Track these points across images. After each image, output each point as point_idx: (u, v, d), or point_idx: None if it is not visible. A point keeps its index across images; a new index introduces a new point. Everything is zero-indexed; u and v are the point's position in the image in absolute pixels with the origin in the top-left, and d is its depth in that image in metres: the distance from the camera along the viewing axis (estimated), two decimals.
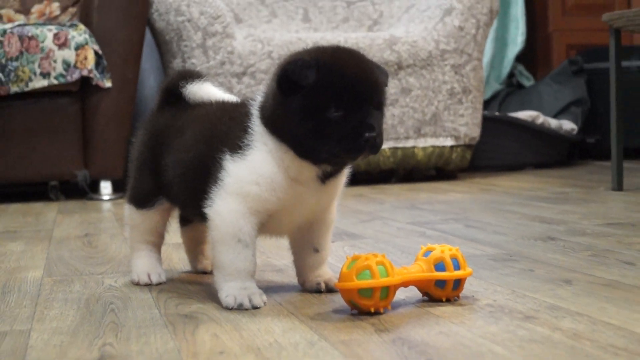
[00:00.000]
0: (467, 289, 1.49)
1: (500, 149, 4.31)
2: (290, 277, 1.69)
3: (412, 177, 4.00)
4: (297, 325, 1.31)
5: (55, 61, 3.38)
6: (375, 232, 2.29)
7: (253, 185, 1.40)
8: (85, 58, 3.42)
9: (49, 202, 3.46)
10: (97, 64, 3.47)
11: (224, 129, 1.47)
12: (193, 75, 1.63)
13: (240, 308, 1.42)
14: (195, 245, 1.79)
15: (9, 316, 1.43)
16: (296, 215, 1.47)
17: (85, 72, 3.42)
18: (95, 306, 1.49)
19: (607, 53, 4.60)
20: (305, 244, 1.56)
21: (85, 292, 1.61)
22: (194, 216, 1.59)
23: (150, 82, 4.49)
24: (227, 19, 3.69)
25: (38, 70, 3.37)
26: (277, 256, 1.95)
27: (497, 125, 4.28)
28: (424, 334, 1.22)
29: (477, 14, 3.95)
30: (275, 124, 1.39)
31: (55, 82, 3.39)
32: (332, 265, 1.80)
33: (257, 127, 1.42)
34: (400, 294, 1.46)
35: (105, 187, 3.56)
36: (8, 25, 3.41)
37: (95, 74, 3.45)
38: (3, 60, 3.33)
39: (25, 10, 3.99)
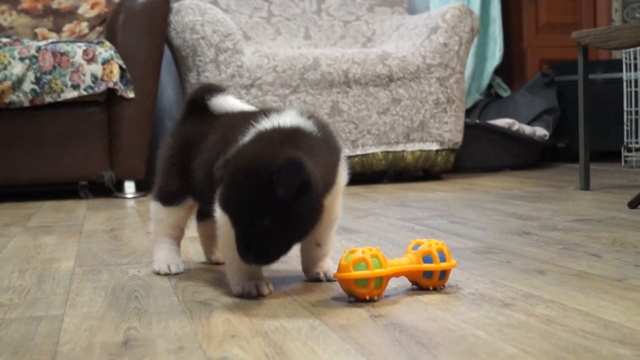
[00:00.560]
0: (451, 278, 1.49)
1: (480, 152, 4.31)
2: (294, 267, 1.69)
3: (401, 178, 4.00)
4: (300, 311, 1.30)
5: (84, 74, 3.38)
6: (369, 227, 2.29)
7: None
8: (111, 72, 3.41)
9: (79, 200, 3.45)
10: (122, 77, 3.46)
11: (235, 135, 1.45)
12: (216, 89, 1.63)
13: (248, 296, 1.41)
14: (209, 239, 1.78)
15: (44, 302, 1.43)
16: None
17: (111, 84, 3.41)
18: (121, 294, 1.49)
19: (575, 67, 4.60)
20: (309, 238, 1.54)
21: (112, 281, 1.61)
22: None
23: (168, 93, 4.48)
24: (237, 37, 3.68)
25: (69, 83, 3.36)
26: None
27: (477, 132, 4.27)
28: (413, 319, 1.22)
29: (460, 32, 3.95)
30: None
31: (84, 93, 3.39)
32: (331, 257, 1.80)
33: None
34: (392, 284, 1.46)
35: (129, 187, 3.56)
36: (42, 43, 3.41)
37: (120, 86, 3.45)
38: (38, 74, 3.33)
39: (57, 29, 3.99)
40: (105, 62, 3.41)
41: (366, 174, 3.92)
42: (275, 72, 3.70)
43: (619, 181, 3.46)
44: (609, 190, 3.09)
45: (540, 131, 4.48)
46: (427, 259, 1.41)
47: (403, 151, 3.85)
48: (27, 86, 3.32)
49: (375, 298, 1.36)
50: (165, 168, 1.66)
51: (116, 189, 3.53)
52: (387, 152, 3.84)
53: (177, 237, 1.69)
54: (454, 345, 1.07)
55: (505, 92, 5.03)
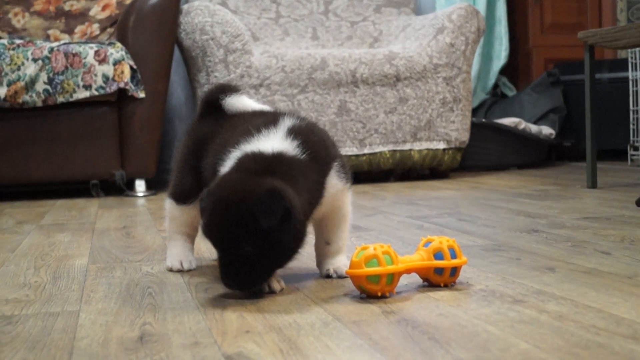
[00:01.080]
0: (462, 275, 1.49)
1: (487, 151, 4.30)
2: (306, 264, 1.69)
3: (408, 177, 4.00)
4: (313, 307, 1.30)
5: (96, 75, 3.38)
6: (378, 225, 2.29)
7: None
8: (122, 72, 3.41)
9: (90, 198, 3.45)
10: (132, 77, 3.46)
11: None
12: (231, 89, 1.62)
13: (259, 292, 1.41)
14: None
15: (60, 298, 1.43)
16: None
17: (122, 85, 3.42)
18: (135, 290, 1.49)
19: (580, 66, 4.60)
20: (319, 236, 1.55)
21: (126, 277, 1.61)
22: None
23: (177, 92, 4.48)
24: (245, 38, 3.68)
25: (81, 83, 3.37)
26: None
27: (484, 131, 4.26)
28: (425, 316, 1.22)
29: (466, 32, 3.94)
30: None
31: (96, 93, 3.39)
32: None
33: None
34: (404, 280, 1.45)
35: (140, 185, 3.56)
36: (55, 44, 3.41)
37: (131, 86, 3.45)
38: (51, 74, 3.33)
39: (69, 31, 3.99)
40: (117, 62, 3.41)
41: (374, 173, 3.91)
42: (284, 72, 3.70)
43: (625, 179, 3.45)
44: (616, 188, 3.08)
45: (547, 130, 4.47)
46: (438, 255, 1.41)
47: (410, 150, 3.85)
48: (40, 86, 3.33)
49: (387, 294, 1.35)
50: (180, 167, 1.66)
51: (127, 188, 3.53)
52: (395, 151, 3.83)
53: (190, 234, 1.69)
54: (466, 340, 1.07)
55: (511, 91, 5.02)
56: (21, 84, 3.30)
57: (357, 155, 3.79)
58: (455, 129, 3.90)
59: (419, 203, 2.81)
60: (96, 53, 3.40)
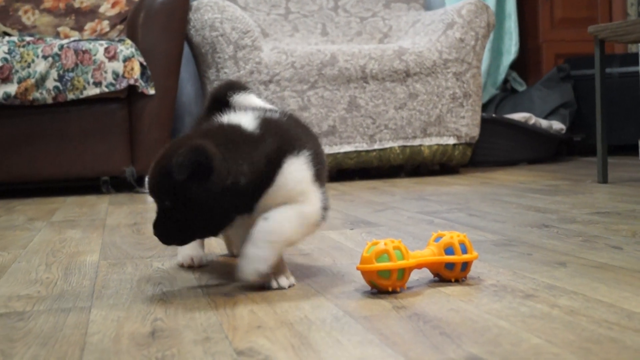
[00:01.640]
0: (472, 270, 1.49)
1: (497, 146, 4.29)
2: (316, 260, 1.69)
3: (418, 172, 3.99)
4: (324, 303, 1.30)
5: (106, 72, 3.39)
6: (389, 221, 2.28)
7: None
8: (132, 69, 3.42)
9: (101, 195, 3.46)
10: (142, 74, 3.47)
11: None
12: (239, 87, 1.62)
13: (268, 288, 1.41)
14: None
15: (72, 294, 1.43)
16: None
17: (132, 81, 3.42)
18: (146, 286, 1.49)
19: (590, 61, 4.58)
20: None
21: (137, 273, 1.61)
22: None
23: (187, 89, 4.49)
24: (255, 34, 3.68)
25: (91, 80, 3.37)
26: (306, 242, 1.94)
27: (494, 126, 4.26)
28: (436, 311, 1.21)
29: (475, 27, 3.93)
30: None
31: (106, 90, 3.40)
32: (352, 249, 1.80)
33: None
34: (414, 275, 1.45)
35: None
36: (65, 41, 3.42)
37: (141, 83, 3.46)
38: (61, 72, 3.34)
39: (79, 28, 4.00)
40: (126, 59, 3.41)
41: (383, 168, 3.91)
42: (294, 68, 3.70)
43: (636, 174, 3.44)
44: (627, 183, 3.07)
45: (557, 125, 4.46)
46: (448, 250, 1.41)
47: (420, 145, 3.84)
48: (50, 83, 3.33)
49: (398, 289, 1.35)
50: None
51: (137, 184, 3.54)
52: (405, 147, 3.83)
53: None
54: (477, 335, 1.07)
55: (521, 86, 5.01)
56: (31, 81, 3.31)
57: (367, 151, 3.78)
58: (465, 125, 3.89)
59: (429, 198, 2.81)
60: (106, 50, 3.40)
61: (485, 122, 4.19)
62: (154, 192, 1.34)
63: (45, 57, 3.33)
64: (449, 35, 3.90)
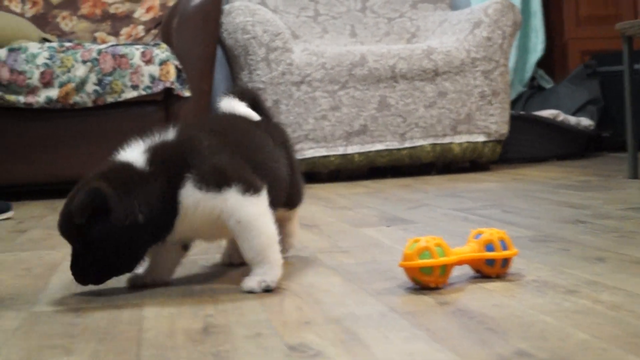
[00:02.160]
0: (512, 266, 1.49)
1: (526, 143, 4.27)
2: (355, 257, 1.70)
3: (449, 169, 3.99)
4: (368, 299, 1.31)
5: (142, 75, 3.42)
6: (423, 218, 2.29)
7: None
8: (168, 72, 3.44)
9: None
10: (178, 76, 3.49)
11: None
12: (241, 93, 1.64)
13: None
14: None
15: (123, 292, 1.45)
16: None
17: (168, 84, 3.45)
18: (194, 283, 1.50)
19: (616, 57, 4.55)
20: None
21: (184, 272, 1.63)
22: None
23: (220, 91, 4.51)
24: (286, 36, 3.70)
25: (129, 83, 3.40)
26: (342, 239, 1.95)
27: (522, 123, 4.24)
28: (480, 306, 1.22)
29: (502, 26, 3.92)
30: None
31: (143, 93, 3.43)
32: (390, 246, 1.81)
33: None
34: (455, 272, 1.46)
35: None
36: (103, 46, 3.45)
37: (177, 85, 3.48)
38: (100, 76, 3.38)
39: (115, 33, 4.03)
40: (162, 63, 3.44)
41: (415, 166, 3.91)
42: (324, 69, 3.71)
43: None
44: None
45: (585, 121, 4.43)
46: (489, 247, 1.41)
47: (450, 143, 3.84)
48: (90, 87, 3.37)
49: (440, 286, 1.36)
50: None
51: None
52: (435, 144, 3.83)
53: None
54: (523, 330, 1.07)
55: (548, 83, 4.98)
56: (72, 85, 3.34)
57: (398, 149, 3.79)
58: (494, 122, 3.88)
59: (461, 195, 2.81)
60: (142, 54, 3.43)
61: (514, 119, 4.17)
62: (62, 235, 1.38)
63: (84, 62, 3.37)
64: (477, 34, 3.89)
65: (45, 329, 1.21)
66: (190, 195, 1.35)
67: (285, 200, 1.60)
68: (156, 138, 1.43)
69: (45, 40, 3.72)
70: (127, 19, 4.08)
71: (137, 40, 4.02)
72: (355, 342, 1.06)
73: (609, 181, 3.02)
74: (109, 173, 1.37)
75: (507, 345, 1.01)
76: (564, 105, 4.58)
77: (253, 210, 1.37)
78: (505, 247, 1.41)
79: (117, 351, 1.07)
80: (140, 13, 4.08)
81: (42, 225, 2.56)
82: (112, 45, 3.46)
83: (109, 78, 3.38)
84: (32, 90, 3.34)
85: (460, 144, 3.85)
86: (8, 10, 3.97)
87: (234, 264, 1.67)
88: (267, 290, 1.38)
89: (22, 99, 3.33)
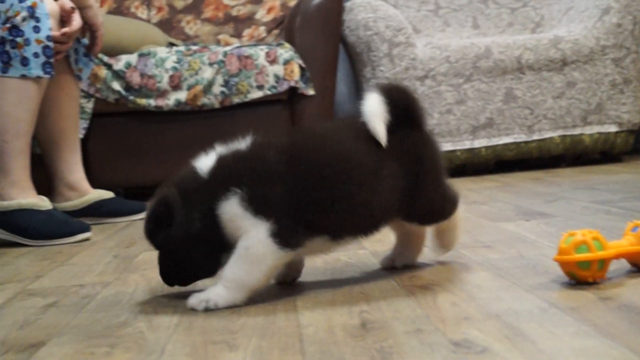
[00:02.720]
0: None
1: None
2: (500, 252, 1.66)
3: (579, 161, 3.88)
4: (524, 295, 1.28)
5: (267, 75, 3.46)
6: (563, 211, 2.23)
7: None
8: (292, 71, 3.48)
9: None
10: (302, 75, 3.52)
11: None
12: (390, 92, 1.60)
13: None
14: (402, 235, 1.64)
15: (274, 289, 1.46)
16: None
17: (292, 83, 3.48)
18: (342, 280, 1.51)
19: None
20: None
21: (329, 267, 1.64)
22: None
23: (340, 88, 4.52)
24: (408, 31, 3.67)
25: (254, 84, 3.45)
26: (483, 234, 1.92)
27: None
28: None
29: (633, 11, 3.78)
30: None
31: (268, 92, 3.47)
32: (535, 241, 1.77)
33: None
34: (611, 266, 1.40)
35: None
36: (228, 48, 3.51)
37: (301, 84, 3.51)
38: (226, 77, 3.44)
39: (238, 35, 4.11)
40: (286, 62, 3.47)
41: (543, 159, 3.82)
42: (448, 63, 3.66)
43: None
44: None
45: None
46: None
47: (581, 134, 3.73)
48: (217, 89, 3.44)
49: (598, 280, 1.31)
50: None
51: None
52: (565, 136, 3.73)
53: (396, 229, 1.62)
54: None
55: None
56: (200, 87, 3.42)
57: (525, 142, 3.71)
58: (627, 111, 3.75)
59: (598, 187, 2.72)
60: (267, 54, 3.48)
61: None
62: (145, 238, 1.42)
63: (211, 64, 3.44)
64: (606, 21, 3.77)
65: (204, 325, 1.23)
66: (231, 210, 1.32)
67: (405, 217, 1.47)
68: (231, 146, 1.42)
69: (172, 44, 3.82)
70: (248, 20, 4.14)
71: (259, 41, 4.08)
72: (520, 338, 1.04)
73: None
74: (180, 180, 1.40)
75: None
76: None
77: (264, 254, 1.31)
78: None
79: (281, 347, 1.08)
80: (261, 14, 4.14)
81: None
82: (237, 47, 3.52)
83: (235, 79, 3.44)
84: (162, 94, 3.43)
85: (591, 135, 3.73)
86: (135, 16, 4.09)
87: (397, 267, 1.59)
88: (207, 309, 1.33)
89: (152, 102, 3.43)
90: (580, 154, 3.84)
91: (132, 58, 3.44)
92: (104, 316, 1.35)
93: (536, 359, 0.95)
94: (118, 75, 3.41)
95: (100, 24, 2.69)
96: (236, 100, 3.46)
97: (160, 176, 3.47)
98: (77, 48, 2.72)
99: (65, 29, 2.50)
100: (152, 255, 1.97)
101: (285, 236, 1.31)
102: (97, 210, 2.76)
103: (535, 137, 3.71)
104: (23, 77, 2.36)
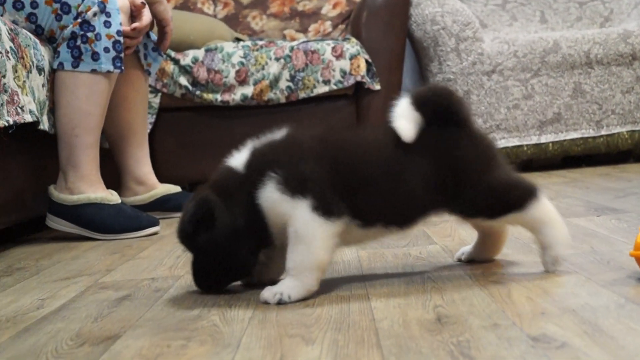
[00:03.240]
0: None
1: None
2: (572, 247, 1.64)
3: None
4: (600, 290, 1.26)
5: (334, 70, 3.46)
6: (634, 207, 2.18)
7: None
8: (358, 66, 3.47)
9: None
10: (368, 70, 3.52)
11: None
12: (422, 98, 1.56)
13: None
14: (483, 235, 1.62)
15: (346, 282, 1.47)
16: None
17: (358, 78, 3.48)
18: (413, 274, 1.50)
19: None
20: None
21: (399, 262, 1.63)
22: None
23: (405, 83, 4.50)
24: (476, 25, 3.64)
25: (320, 79, 3.46)
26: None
27: None
28: None
29: None
30: None
31: (334, 87, 3.47)
32: (608, 236, 1.74)
33: None
34: None
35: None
36: (294, 43, 3.53)
37: (367, 79, 3.51)
38: (292, 72, 3.45)
39: (303, 30, 4.12)
40: (353, 57, 3.47)
41: (611, 154, 3.75)
42: (516, 57, 3.62)
43: None
44: None
45: None
46: None
47: None
48: (283, 84, 3.45)
49: None
50: None
51: None
52: (633, 131, 3.65)
53: (478, 227, 1.58)
54: None
55: None
56: (266, 82, 3.44)
57: (593, 137, 3.64)
58: None
59: None
60: (333, 49, 3.48)
61: None
62: (180, 243, 1.42)
63: (277, 59, 3.46)
64: None
65: (278, 319, 1.24)
66: (270, 196, 1.34)
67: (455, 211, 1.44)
68: (263, 139, 1.44)
69: (238, 39, 3.84)
70: (314, 15, 4.15)
71: (325, 36, 4.08)
72: (598, 333, 1.02)
73: None
74: (216, 180, 1.41)
75: None
76: None
77: (313, 230, 1.32)
78: None
79: (356, 340, 1.08)
80: (327, 9, 4.15)
81: None
82: (304, 42, 3.53)
83: (302, 74, 3.45)
84: (229, 89, 3.46)
85: None
86: (201, 12, 4.13)
87: (476, 260, 1.57)
88: (280, 303, 1.33)
89: (219, 97, 3.46)
90: None
91: (199, 53, 3.48)
92: (177, 309, 1.37)
93: (617, 355, 0.93)
94: (185, 70, 3.45)
95: (170, 19, 2.73)
96: (302, 95, 3.47)
97: None
98: (147, 43, 2.76)
99: (136, 24, 2.54)
100: None
101: (326, 206, 1.33)
102: (165, 205, 2.80)
103: (604, 132, 3.65)
104: (93, 71, 2.40)
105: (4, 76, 2.08)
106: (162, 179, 3.01)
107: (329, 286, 1.44)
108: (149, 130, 3.30)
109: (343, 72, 3.46)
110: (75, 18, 2.39)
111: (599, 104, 3.64)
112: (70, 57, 2.39)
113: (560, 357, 0.94)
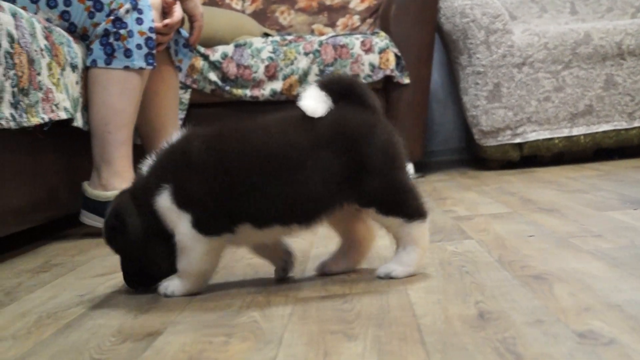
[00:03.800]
0: None
1: None
2: (609, 241, 1.61)
3: None
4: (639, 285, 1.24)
5: (363, 64, 3.45)
6: None
7: None
8: (387, 60, 3.46)
9: None
10: (397, 64, 3.50)
11: None
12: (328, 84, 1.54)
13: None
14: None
15: (384, 278, 1.45)
16: None
17: (387, 72, 3.46)
18: (450, 269, 1.49)
19: None
20: None
21: (435, 257, 1.62)
22: None
23: (434, 76, 4.47)
24: (505, 17, 3.61)
25: (349, 73, 3.45)
26: (590, 223, 1.87)
27: None
28: None
29: None
30: None
31: (364, 81, 3.45)
32: (636, 227, 1.71)
33: None
34: None
35: (409, 168, 3.59)
36: (323, 37, 3.52)
37: (396, 73, 3.49)
38: (321, 67, 3.44)
39: (332, 24, 4.10)
40: (382, 51, 3.46)
41: None
42: (547, 49, 3.58)
43: None
44: None
45: None
46: None
47: None
48: (312, 78, 3.44)
49: None
50: None
51: None
52: None
53: (342, 233, 1.57)
54: None
55: None
56: (295, 77, 3.43)
57: (626, 130, 3.60)
58: None
59: None
60: (362, 43, 3.46)
61: None
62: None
63: (306, 54, 3.45)
64: None
65: (318, 315, 1.23)
66: (164, 204, 1.41)
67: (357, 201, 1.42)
68: (165, 144, 1.47)
69: (267, 34, 3.84)
70: (342, 9, 4.13)
71: (353, 30, 4.07)
72: None
73: None
74: (133, 184, 1.49)
75: None
76: None
77: (192, 244, 1.40)
78: None
79: (399, 337, 1.07)
80: (355, 3, 4.13)
81: None
82: (333, 36, 3.51)
83: (331, 68, 3.44)
84: (258, 84, 3.46)
85: None
86: (230, 8, 4.13)
87: (331, 273, 1.54)
88: (165, 296, 1.45)
89: (248, 92, 3.46)
90: None
91: (228, 49, 3.48)
92: (216, 305, 1.36)
93: None
94: (214, 66, 3.45)
95: (200, 15, 2.72)
96: None
97: None
98: (177, 39, 2.76)
99: (167, 21, 2.54)
100: None
101: (205, 224, 1.38)
102: None
103: (636, 124, 3.60)
104: (126, 68, 2.41)
105: (38, 74, 2.09)
106: None
107: (367, 280, 1.43)
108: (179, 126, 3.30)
109: (372, 66, 3.45)
110: (108, 15, 2.40)
111: (631, 96, 3.60)
112: (103, 54, 2.39)
113: (610, 354, 0.92)
